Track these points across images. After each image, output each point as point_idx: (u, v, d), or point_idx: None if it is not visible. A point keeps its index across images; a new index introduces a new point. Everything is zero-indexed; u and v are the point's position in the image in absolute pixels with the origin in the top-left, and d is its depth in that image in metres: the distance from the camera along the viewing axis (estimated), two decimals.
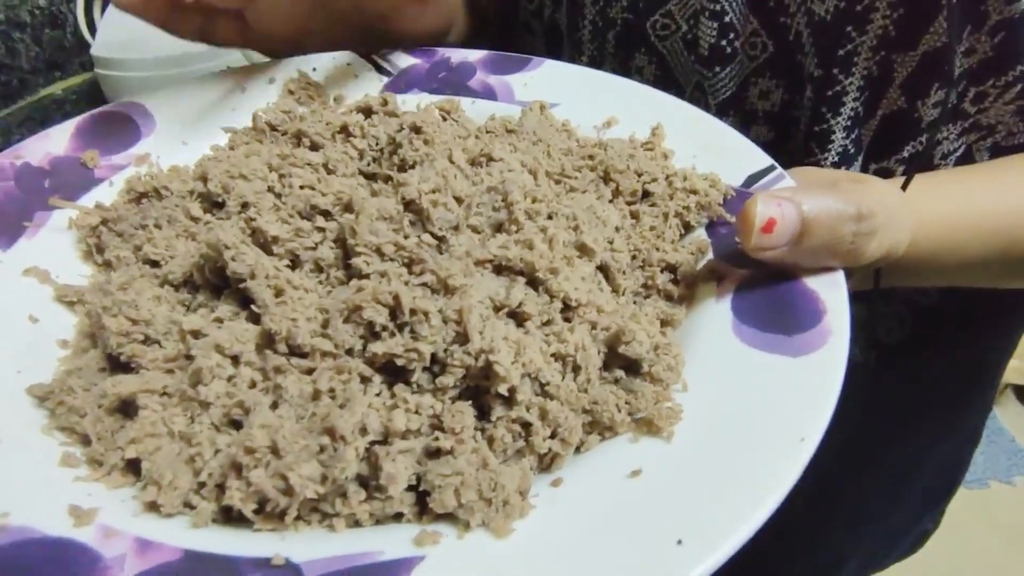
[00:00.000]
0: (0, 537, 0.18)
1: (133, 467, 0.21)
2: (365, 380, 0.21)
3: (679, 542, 0.17)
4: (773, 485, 0.18)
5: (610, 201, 0.30)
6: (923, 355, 0.46)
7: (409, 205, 0.25)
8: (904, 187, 0.30)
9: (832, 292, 0.24)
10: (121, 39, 0.73)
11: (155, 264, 0.28)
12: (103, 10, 0.80)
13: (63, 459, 0.21)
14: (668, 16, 0.38)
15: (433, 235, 0.25)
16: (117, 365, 0.24)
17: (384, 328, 0.21)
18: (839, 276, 0.25)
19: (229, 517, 0.20)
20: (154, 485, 0.20)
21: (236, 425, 0.21)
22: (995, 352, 0.50)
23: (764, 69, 0.37)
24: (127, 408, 0.23)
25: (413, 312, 0.21)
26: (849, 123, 0.36)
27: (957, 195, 0.32)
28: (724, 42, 0.36)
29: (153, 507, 0.20)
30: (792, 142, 0.38)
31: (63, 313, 0.28)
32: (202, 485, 0.20)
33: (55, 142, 0.35)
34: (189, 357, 0.23)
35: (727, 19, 0.35)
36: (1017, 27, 0.31)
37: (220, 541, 0.19)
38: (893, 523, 0.56)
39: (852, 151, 0.37)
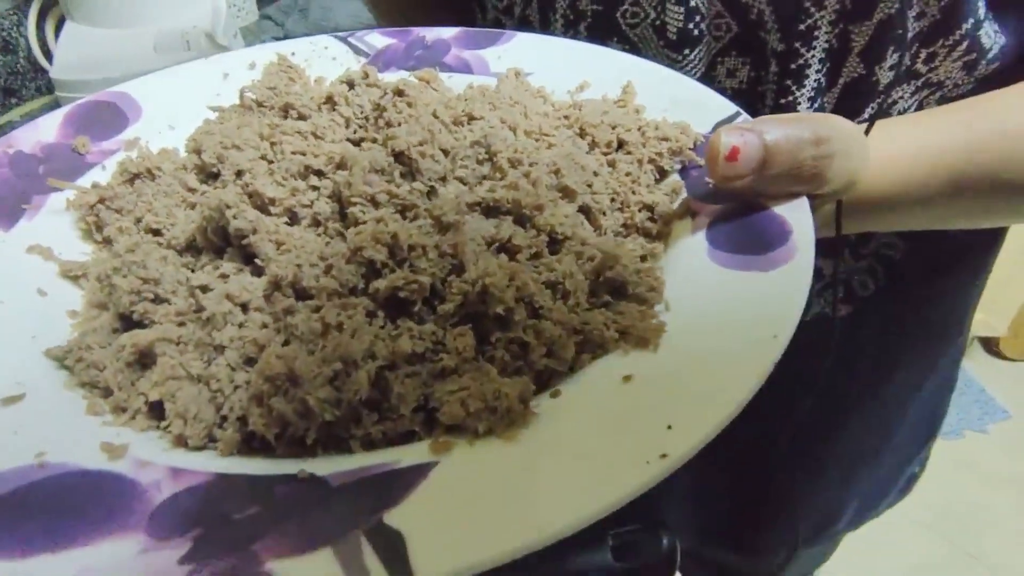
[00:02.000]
0: (40, 472, 0.19)
1: (155, 412, 0.23)
2: (370, 315, 0.23)
3: (669, 427, 0.19)
4: (749, 374, 0.20)
5: (588, 152, 0.32)
6: (896, 306, 0.48)
7: (399, 157, 0.26)
8: (867, 133, 0.32)
9: (797, 214, 0.26)
10: (79, 60, 0.74)
11: (157, 233, 0.29)
12: (57, 33, 0.80)
13: (89, 408, 0.22)
14: (636, 4, 0.39)
15: (422, 186, 0.26)
16: (129, 325, 0.25)
17: (384, 265, 0.23)
18: (803, 201, 0.27)
19: (252, 450, 0.22)
20: (180, 418, 0.21)
21: (252, 363, 0.22)
22: (961, 299, 0.52)
23: (730, 48, 0.39)
24: (144, 360, 0.24)
25: (411, 248, 0.23)
26: (812, 94, 0.38)
27: (910, 136, 0.34)
28: (691, 25, 0.38)
29: (180, 441, 0.21)
30: (760, 116, 0.40)
31: (69, 287, 0.29)
32: (224, 419, 0.21)
33: (45, 130, 0.36)
34: (199, 311, 0.25)
35: (692, 3, 0.37)
36: None
37: (247, 466, 0.20)
38: (884, 467, 0.59)
39: None
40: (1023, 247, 1.22)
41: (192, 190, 0.30)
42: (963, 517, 1.20)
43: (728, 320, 0.23)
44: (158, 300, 0.25)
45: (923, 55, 0.36)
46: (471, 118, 0.31)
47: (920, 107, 0.39)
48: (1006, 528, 1.19)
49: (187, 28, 0.71)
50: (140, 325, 0.25)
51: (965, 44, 0.35)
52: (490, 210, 0.25)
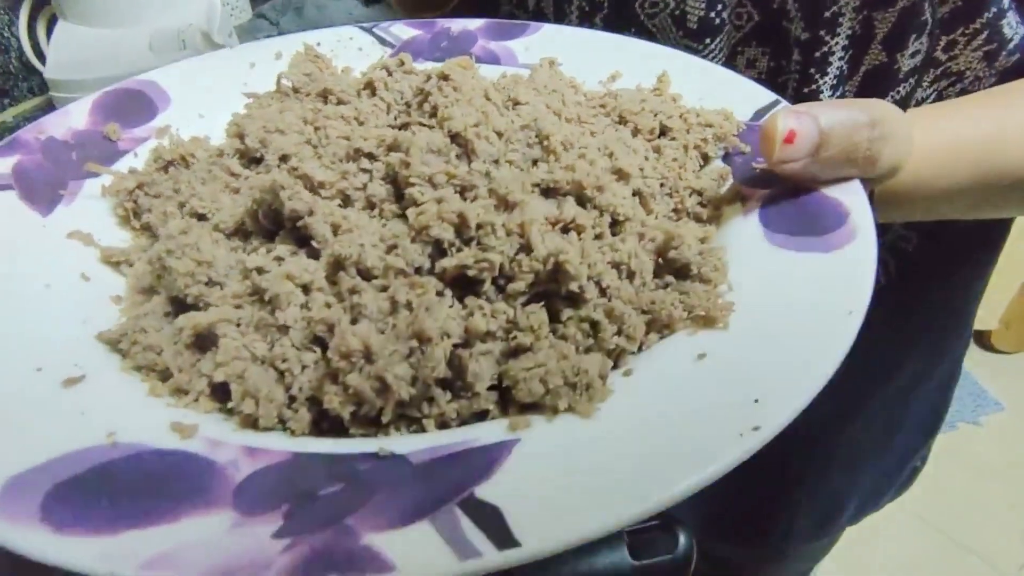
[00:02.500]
0: (113, 452, 0.19)
1: (217, 394, 0.22)
2: (438, 294, 0.22)
3: (756, 401, 0.19)
4: (831, 349, 0.20)
5: (631, 139, 0.32)
6: (905, 299, 0.48)
7: (454, 138, 0.26)
8: None
9: (852, 197, 0.26)
10: (73, 60, 0.72)
11: (202, 217, 0.28)
12: (49, 32, 0.78)
13: (151, 390, 0.22)
14: None
15: (481, 166, 0.26)
16: (183, 308, 0.25)
17: (451, 244, 0.23)
18: (856, 184, 0.27)
19: (322, 431, 0.21)
20: (251, 399, 0.20)
21: (319, 343, 0.22)
22: (968, 292, 0.53)
23: (750, 38, 0.39)
24: (203, 343, 0.23)
25: (479, 226, 0.22)
26: (835, 81, 0.38)
27: (946, 125, 0.34)
28: (712, 14, 0.38)
29: (250, 421, 0.21)
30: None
31: (110, 273, 0.29)
32: (292, 400, 0.21)
33: (75, 117, 0.35)
34: (255, 293, 0.24)
35: None
36: None
37: (323, 445, 0.20)
38: (887, 462, 0.59)
39: None
40: (1011, 243, 1.25)
41: (235, 175, 0.30)
42: (956, 508, 1.21)
43: (794, 300, 0.23)
44: (211, 283, 0.25)
45: (943, 42, 0.36)
46: (516, 103, 0.31)
47: (939, 97, 0.40)
48: (999, 519, 1.21)
49: (182, 27, 0.70)
50: (193, 308, 0.25)
51: (986, 33, 0.35)
52: (549, 191, 0.25)
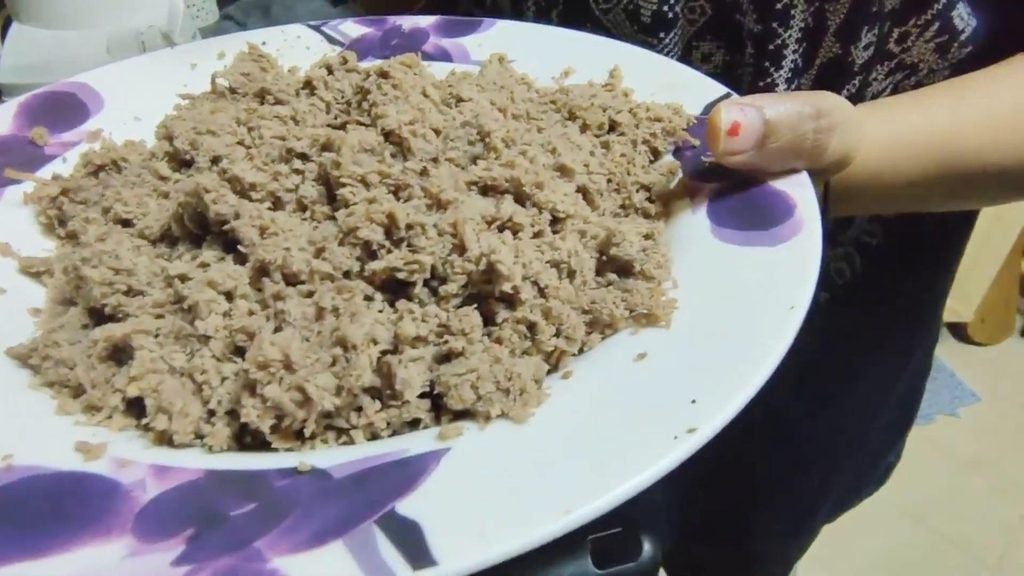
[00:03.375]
0: (7, 476, 0.17)
1: (133, 410, 0.21)
2: (367, 298, 0.21)
3: (693, 401, 0.18)
4: (770, 347, 0.19)
5: (579, 135, 0.31)
6: (872, 294, 0.48)
7: (388, 136, 0.25)
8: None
9: (799, 190, 0.26)
10: (28, 63, 0.70)
11: (127, 223, 0.27)
12: (3, 35, 0.76)
13: (59, 407, 0.21)
14: None
15: (416, 165, 0.25)
16: (101, 319, 0.23)
17: (381, 246, 0.22)
18: (804, 176, 0.27)
19: (243, 445, 0.20)
20: (164, 414, 0.19)
21: (240, 353, 0.21)
22: (935, 287, 0.53)
23: (705, 32, 0.39)
24: (119, 355, 0.22)
25: (410, 227, 0.21)
26: (790, 75, 0.38)
27: (899, 116, 0.34)
28: (665, 7, 0.37)
29: (164, 438, 0.19)
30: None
31: (30, 284, 0.27)
32: (211, 413, 0.20)
33: None
34: (177, 302, 0.23)
35: None
36: None
37: (240, 461, 0.19)
38: (862, 459, 0.59)
39: None
40: (985, 236, 1.28)
41: (164, 178, 0.29)
42: (936, 499, 1.23)
43: (739, 295, 0.22)
44: (132, 292, 0.23)
45: (895, 34, 0.36)
46: (459, 100, 0.30)
47: (895, 90, 0.40)
48: (977, 509, 1.22)
49: (142, 28, 0.68)
50: (112, 319, 0.23)
51: (937, 24, 0.35)
52: (487, 189, 0.24)
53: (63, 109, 0.35)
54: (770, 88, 0.38)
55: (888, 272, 0.48)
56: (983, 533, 1.19)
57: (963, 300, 1.38)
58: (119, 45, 0.72)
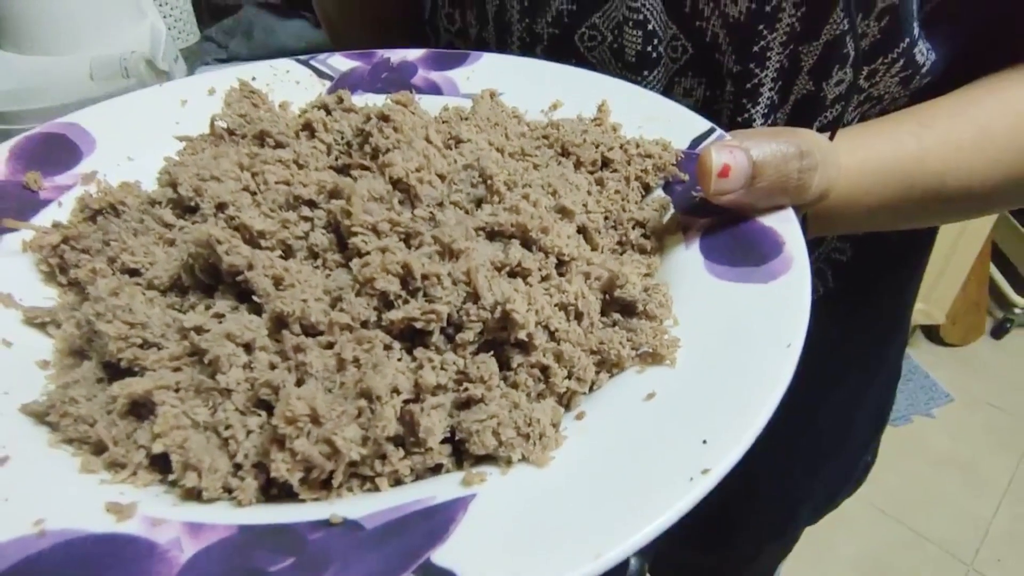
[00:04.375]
0: (41, 542, 0.18)
1: (158, 464, 0.21)
2: (386, 348, 0.22)
3: (704, 442, 0.19)
4: (772, 385, 0.20)
5: (574, 172, 0.32)
6: (845, 306, 0.51)
7: (396, 184, 0.26)
8: (831, 139, 0.34)
9: (786, 225, 0.27)
10: (10, 89, 0.69)
11: (134, 273, 0.27)
12: None
13: (83, 466, 0.21)
14: (594, 28, 0.40)
15: (424, 212, 0.26)
16: (116, 373, 0.24)
17: (397, 296, 0.22)
18: (789, 212, 0.28)
19: (269, 497, 0.20)
20: (193, 471, 0.20)
21: (263, 406, 0.21)
22: (903, 296, 0.56)
23: (686, 69, 0.40)
24: (139, 410, 0.22)
25: (425, 277, 0.22)
26: (766, 110, 0.40)
27: (868, 145, 0.36)
28: (649, 47, 0.39)
29: (192, 494, 0.20)
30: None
31: (35, 335, 0.27)
32: (238, 467, 0.20)
33: None
34: (194, 354, 0.23)
35: (650, 27, 0.38)
36: (898, 11, 0.35)
37: (271, 514, 0.19)
38: (841, 460, 0.62)
39: None
40: (954, 241, 1.33)
41: (169, 225, 0.29)
42: (914, 499, 1.27)
43: (738, 333, 0.23)
44: (147, 345, 0.24)
45: (865, 71, 0.39)
46: (458, 141, 0.31)
47: (863, 118, 0.42)
48: (953, 507, 1.26)
49: (125, 54, 0.67)
50: (128, 372, 0.24)
51: (902, 61, 0.38)
52: (494, 234, 0.25)
53: (55, 151, 0.35)
54: (747, 123, 0.40)
55: (859, 285, 0.50)
56: (959, 530, 1.23)
57: (935, 303, 1.43)
58: (102, 71, 0.71)
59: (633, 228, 0.30)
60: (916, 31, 0.37)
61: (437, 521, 0.18)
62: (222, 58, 0.84)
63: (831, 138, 0.34)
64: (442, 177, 0.27)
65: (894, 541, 1.21)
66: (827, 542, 1.17)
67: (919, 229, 0.50)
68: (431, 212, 0.26)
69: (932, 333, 1.56)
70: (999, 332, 1.58)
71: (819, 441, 0.59)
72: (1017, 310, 1.57)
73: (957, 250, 1.35)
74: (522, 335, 0.21)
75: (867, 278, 0.50)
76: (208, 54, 0.84)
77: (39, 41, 0.71)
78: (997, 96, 0.36)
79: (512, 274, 0.24)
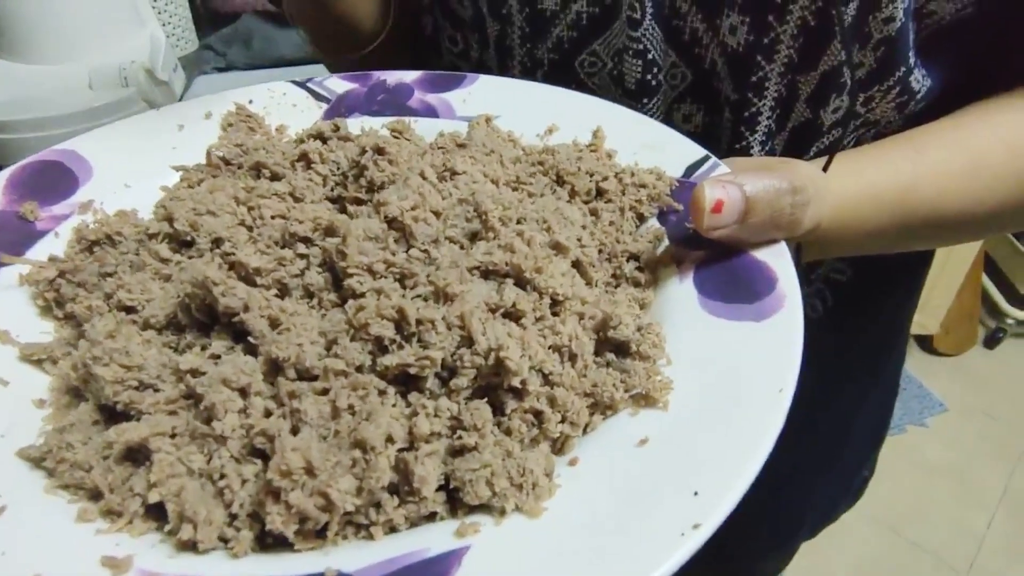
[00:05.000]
0: None
1: (153, 512, 0.21)
2: (381, 393, 0.22)
3: (696, 493, 0.19)
4: (764, 432, 0.21)
5: (568, 202, 0.32)
6: (844, 325, 0.51)
7: (391, 223, 0.26)
8: (825, 168, 0.34)
9: (779, 261, 0.27)
10: (8, 99, 0.69)
11: (130, 310, 0.27)
12: None
13: (79, 515, 0.21)
14: (594, 55, 0.40)
15: (418, 252, 0.26)
16: (112, 415, 0.24)
17: (392, 341, 0.22)
18: (782, 246, 0.28)
19: (264, 545, 0.21)
20: (189, 523, 0.20)
21: (258, 454, 0.21)
22: (900, 313, 0.56)
23: (685, 96, 0.40)
24: (135, 456, 0.22)
25: (420, 322, 0.22)
26: (764, 138, 0.40)
27: (863, 172, 0.36)
28: (649, 76, 0.39)
29: (187, 546, 0.20)
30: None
31: (32, 372, 0.27)
32: (234, 517, 0.20)
33: None
34: (189, 397, 0.23)
35: (650, 56, 0.38)
36: (894, 42, 0.36)
37: (266, 566, 0.19)
38: (838, 476, 0.62)
39: None
40: (948, 252, 1.33)
41: (165, 260, 0.29)
42: (908, 509, 1.27)
43: (730, 374, 0.23)
44: (143, 387, 0.24)
45: (861, 98, 0.39)
46: (453, 173, 0.31)
47: (858, 143, 0.42)
48: (946, 516, 1.26)
49: (124, 63, 0.67)
50: (124, 415, 0.24)
51: (898, 88, 0.38)
52: (489, 273, 0.25)
53: (52, 180, 0.35)
54: (746, 149, 0.40)
55: (857, 304, 0.50)
56: (954, 540, 1.23)
57: (928, 313, 1.44)
58: (101, 80, 0.71)
59: (627, 261, 0.30)
60: (912, 59, 0.37)
61: (432, 574, 0.18)
62: (220, 67, 0.84)
63: (827, 164, 0.34)
64: (437, 214, 0.27)
65: (888, 551, 1.22)
66: (821, 552, 1.17)
67: (915, 251, 0.50)
68: (426, 250, 0.26)
69: (925, 343, 1.57)
70: (992, 342, 1.59)
71: (816, 456, 0.59)
72: (1009, 320, 1.58)
73: (950, 261, 1.36)
74: (515, 382, 0.22)
75: (866, 297, 0.51)
76: (207, 63, 0.84)
77: (38, 50, 0.71)
78: (989, 123, 0.36)
79: (506, 315, 0.24)
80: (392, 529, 0.21)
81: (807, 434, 0.57)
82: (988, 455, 1.36)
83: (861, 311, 0.51)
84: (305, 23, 0.51)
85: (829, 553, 1.19)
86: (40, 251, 0.32)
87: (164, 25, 0.81)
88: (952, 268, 1.37)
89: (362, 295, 0.24)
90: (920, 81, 0.38)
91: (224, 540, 0.20)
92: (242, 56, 0.84)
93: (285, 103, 0.43)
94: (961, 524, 1.25)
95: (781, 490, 0.59)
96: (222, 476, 0.21)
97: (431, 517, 0.21)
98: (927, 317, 1.44)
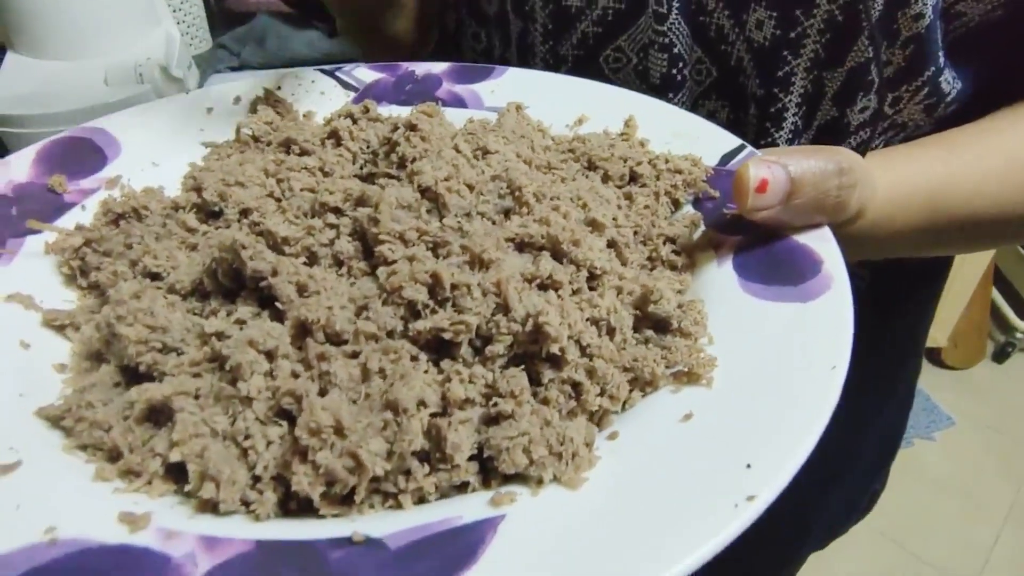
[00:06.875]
0: (52, 551, 0.17)
1: (173, 473, 0.20)
2: (413, 359, 0.21)
3: (748, 466, 0.18)
4: (818, 409, 0.19)
5: (602, 186, 0.32)
6: (860, 329, 0.49)
7: (424, 193, 0.25)
8: None
9: (824, 244, 0.26)
10: (22, 94, 0.70)
11: (155, 277, 0.27)
12: None
13: (97, 473, 0.20)
14: (619, 51, 0.40)
15: (453, 222, 0.25)
16: (134, 377, 0.23)
17: (425, 306, 0.22)
18: (826, 231, 0.27)
19: (287, 511, 0.20)
20: (211, 482, 0.19)
21: (285, 416, 0.20)
22: (918, 322, 0.55)
23: (711, 92, 0.40)
24: (156, 416, 0.22)
25: (454, 287, 0.21)
26: (790, 135, 0.39)
27: (894, 169, 0.35)
28: (674, 70, 0.39)
29: (208, 506, 0.19)
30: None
31: (53, 338, 0.27)
32: (257, 479, 0.19)
33: (15, 169, 0.33)
34: (214, 360, 0.23)
35: (676, 50, 0.38)
36: (923, 40, 0.35)
37: (290, 529, 0.18)
38: (849, 487, 0.60)
39: None
40: (958, 264, 1.32)
41: (192, 230, 0.28)
42: (914, 522, 1.24)
43: (776, 352, 0.22)
44: (167, 349, 0.23)
45: (889, 99, 0.38)
46: (486, 152, 0.31)
47: (886, 145, 0.41)
48: (954, 531, 1.24)
49: (140, 60, 0.68)
50: (146, 377, 0.23)
51: (927, 90, 0.37)
52: (524, 245, 0.25)
53: (81, 155, 0.35)
54: (770, 146, 0.39)
55: (876, 311, 0.49)
56: (960, 554, 1.20)
57: (937, 326, 1.41)
58: (116, 77, 0.72)
59: (664, 244, 0.29)
60: (941, 60, 0.36)
61: (465, 543, 0.17)
62: (234, 66, 0.85)
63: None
64: (470, 187, 0.26)
65: (894, 565, 1.19)
66: (826, 564, 1.14)
67: (935, 257, 0.49)
68: (459, 222, 0.25)
69: (934, 356, 1.54)
70: (1001, 356, 1.56)
71: (828, 468, 0.57)
72: (1019, 334, 1.55)
73: (960, 273, 1.34)
74: (555, 349, 0.21)
75: (884, 303, 0.49)
76: (220, 61, 0.85)
77: (55, 46, 0.72)
78: (1022, 126, 0.36)
79: (543, 286, 0.23)
80: (421, 499, 0.20)
81: (819, 445, 0.55)
82: (995, 469, 1.33)
83: (879, 317, 0.50)
84: (357, 40, 0.52)
85: (834, 566, 1.16)
86: (67, 222, 0.31)
87: (179, 23, 0.82)
88: (962, 281, 1.35)
89: (394, 263, 0.23)
90: (951, 83, 0.37)
91: (246, 503, 0.19)
92: (256, 55, 0.85)
93: (313, 90, 0.42)
94: (967, 538, 1.22)
95: (791, 502, 0.57)
96: (247, 437, 0.20)
97: (462, 488, 0.20)
98: (936, 330, 1.42)
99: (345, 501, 0.19)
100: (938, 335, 1.45)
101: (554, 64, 0.43)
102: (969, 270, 1.37)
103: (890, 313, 0.50)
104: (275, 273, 0.24)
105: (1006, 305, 1.57)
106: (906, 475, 1.29)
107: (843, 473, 0.58)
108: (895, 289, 0.49)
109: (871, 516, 0.65)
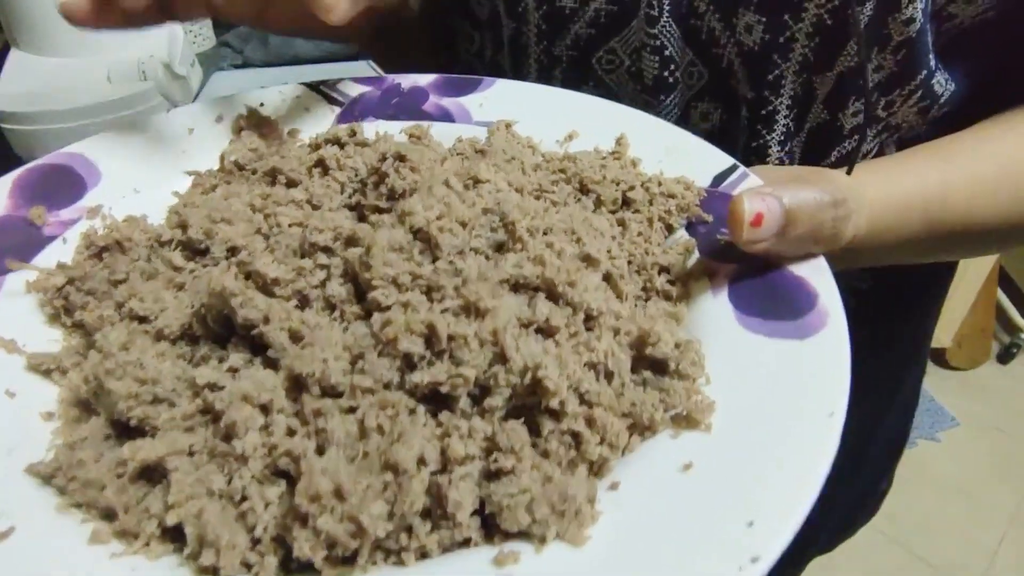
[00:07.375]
0: None
1: (170, 534, 0.20)
2: (410, 412, 0.21)
3: (750, 523, 0.18)
4: (818, 459, 0.20)
5: (594, 211, 0.31)
6: (865, 334, 0.50)
7: (417, 234, 0.25)
8: (848, 173, 0.33)
9: (819, 276, 0.27)
10: (25, 91, 0.68)
11: (143, 320, 0.26)
12: (1, 62, 0.74)
13: (92, 536, 0.20)
14: (611, 52, 0.40)
15: (445, 264, 0.25)
16: (125, 430, 0.23)
17: (422, 358, 0.21)
18: (821, 261, 0.27)
19: (288, 571, 0.19)
20: (210, 548, 0.19)
21: (282, 475, 0.20)
22: (922, 324, 0.55)
23: (703, 94, 0.40)
24: (151, 474, 0.21)
25: (451, 338, 0.21)
26: (782, 138, 0.39)
27: (890, 179, 0.35)
28: (666, 72, 0.39)
29: (209, 571, 0.19)
30: (734, 158, 0.42)
31: (39, 383, 0.26)
32: (256, 541, 0.19)
33: None
34: (206, 412, 0.22)
35: (667, 53, 0.38)
36: (914, 44, 0.35)
37: None
38: (856, 489, 0.61)
39: (787, 161, 0.40)
40: (963, 265, 1.33)
41: (178, 268, 0.28)
42: (917, 523, 1.25)
43: (774, 395, 0.22)
44: (157, 401, 0.23)
45: (882, 102, 0.38)
46: (476, 181, 0.30)
47: (881, 148, 0.42)
48: (957, 532, 1.25)
49: (143, 58, 0.66)
50: (137, 431, 0.23)
51: (920, 92, 0.37)
52: (519, 287, 0.24)
53: (59, 183, 0.34)
54: (763, 149, 0.39)
55: (879, 313, 0.50)
56: (964, 556, 1.21)
57: (941, 326, 1.43)
58: (120, 74, 0.70)
59: (658, 274, 0.29)
60: (933, 63, 0.36)
61: None
62: (238, 64, 0.83)
63: (848, 171, 0.33)
64: (463, 224, 0.26)
65: (898, 566, 1.20)
66: (830, 566, 1.16)
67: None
68: (452, 262, 0.25)
69: (938, 357, 1.55)
70: (1005, 357, 1.58)
71: (834, 468, 0.58)
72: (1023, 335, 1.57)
73: (965, 274, 1.35)
74: (554, 403, 0.21)
75: (887, 306, 0.50)
76: (223, 59, 0.84)
77: (58, 43, 0.70)
78: (1017, 132, 0.36)
79: (539, 330, 0.23)
80: (424, 555, 0.20)
81: None
82: (1000, 470, 1.35)
83: (882, 319, 0.50)
84: (374, 54, 0.52)
85: (837, 567, 1.18)
86: (47, 257, 0.31)
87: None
88: (967, 282, 1.37)
89: (387, 308, 0.23)
90: (943, 85, 0.37)
91: (247, 565, 0.19)
92: (259, 53, 0.83)
93: (298, 106, 0.42)
94: (972, 540, 1.24)
95: None
96: (244, 498, 0.20)
97: (465, 543, 0.20)
98: (940, 331, 1.44)
99: (347, 561, 0.19)
100: (942, 336, 1.46)
101: (548, 65, 0.42)
102: (974, 271, 1.38)
103: (895, 317, 0.51)
104: (267, 321, 0.23)
105: (1011, 306, 1.58)
106: (910, 476, 1.30)
107: (851, 474, 0.58)
108: (897, 292, 0.49)
109: (876, 518, 0.66)
